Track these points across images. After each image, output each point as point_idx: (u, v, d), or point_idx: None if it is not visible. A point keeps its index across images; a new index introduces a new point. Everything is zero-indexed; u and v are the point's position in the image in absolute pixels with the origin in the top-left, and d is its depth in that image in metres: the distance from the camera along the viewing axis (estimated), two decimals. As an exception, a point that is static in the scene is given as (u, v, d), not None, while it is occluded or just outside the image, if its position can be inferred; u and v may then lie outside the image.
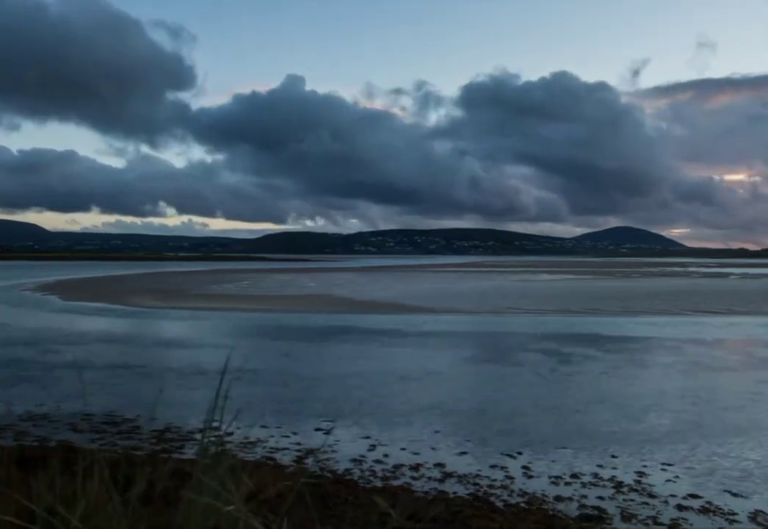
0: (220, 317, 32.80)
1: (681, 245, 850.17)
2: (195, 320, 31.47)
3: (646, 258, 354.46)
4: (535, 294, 50.02)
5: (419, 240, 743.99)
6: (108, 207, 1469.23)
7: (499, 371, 17.80)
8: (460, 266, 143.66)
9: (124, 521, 2.92)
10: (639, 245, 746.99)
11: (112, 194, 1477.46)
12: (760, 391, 14.93)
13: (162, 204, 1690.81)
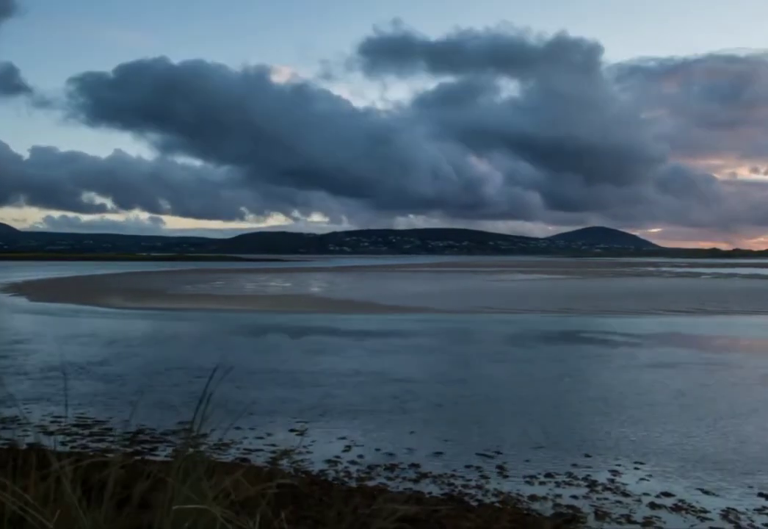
0: (195, 317, 32.56)
1: (654, 245, 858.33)
2: (168, 320, 31.20)
3: (620, 258, 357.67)
4: (510, 294, 50.30)
5: (394, 240, 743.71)
6: (38, 200, 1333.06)
7: (473, 370, 17.86)
8: (435, 266, 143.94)
9: (97, 524, 2.88)
10: (612, 245, 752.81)
11: (31, 185, 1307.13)
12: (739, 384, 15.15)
13: (99, 198, 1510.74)
